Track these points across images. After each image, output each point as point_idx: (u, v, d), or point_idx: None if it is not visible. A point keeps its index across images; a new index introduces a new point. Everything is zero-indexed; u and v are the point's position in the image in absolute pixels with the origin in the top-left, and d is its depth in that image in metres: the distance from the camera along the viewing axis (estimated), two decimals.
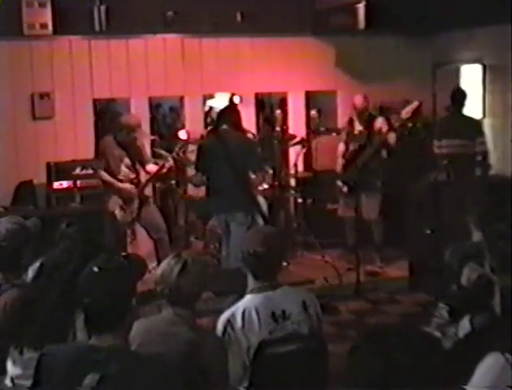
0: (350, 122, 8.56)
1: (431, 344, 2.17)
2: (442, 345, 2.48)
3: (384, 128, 8.16)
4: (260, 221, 7.00)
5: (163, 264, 3.59)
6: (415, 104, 7.98)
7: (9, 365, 3.42)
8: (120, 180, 7.76)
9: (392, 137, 8.12)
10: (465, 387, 2.79)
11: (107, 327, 2.76)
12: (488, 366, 2.79)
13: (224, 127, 7.10)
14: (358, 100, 8.37)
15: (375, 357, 2.06)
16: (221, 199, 6.93)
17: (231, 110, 7.39)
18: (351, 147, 8.43)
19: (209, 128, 8.09)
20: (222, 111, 7.43)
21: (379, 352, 2.06)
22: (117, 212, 7.62)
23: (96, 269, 2.78)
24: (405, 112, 7.91)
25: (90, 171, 7.93)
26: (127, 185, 7.75)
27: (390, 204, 8.41)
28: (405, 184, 7.93)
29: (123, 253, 2.98)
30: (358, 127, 8.44)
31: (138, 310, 2.90)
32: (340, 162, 8.48)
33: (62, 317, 3.28)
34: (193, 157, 7.92)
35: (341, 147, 8.55)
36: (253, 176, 7.30)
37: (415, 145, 8.75)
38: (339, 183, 8.41)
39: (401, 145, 8.35)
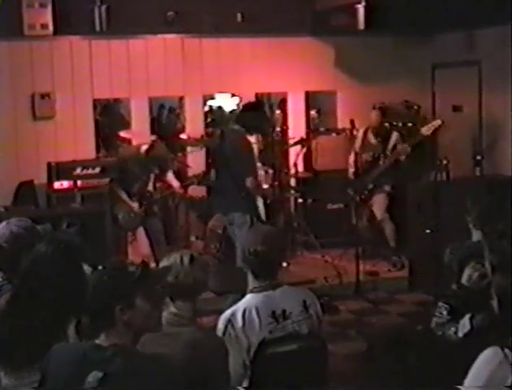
0: (365, 133, 8.59)
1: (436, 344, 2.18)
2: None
3: (399, 145, 8.34)
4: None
5: (171, 259, 3.57)
6: (437, 123, 8.13)
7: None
8: (130, 196, 7.56)
9: (405, 152, 8.24)
10: (461, 387, 2.79)
11: (107, 327, 2.77)
12: (485, 360, 2.78)
13: (235, 127, 6.82)
14: (375, 115, 8.50)
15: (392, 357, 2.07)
16: (222, 199, 6.89)
17: (253, 114, 6.89)
18: (364, 157, 8.41)
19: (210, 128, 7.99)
20: (242, 113, 7.15)
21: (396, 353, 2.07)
22: (120, 217, 7.53)
23: (91, 268, 2.81)
24: (426, 129, 8.09)
25: (90, 171, 7.93)
26: (135, 205, 7.55)
27: (390, 204, 8.43)
28: (405, 184, 7.94)
29: (143, 260, 2.98)
30: (372, 139, 8.53)
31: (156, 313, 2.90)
32: (351, 170, 8.41)
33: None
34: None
35: (353, 157, 8.38)
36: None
37: (415, 145, 8.76)
38: (350, 192, 8.39)
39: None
